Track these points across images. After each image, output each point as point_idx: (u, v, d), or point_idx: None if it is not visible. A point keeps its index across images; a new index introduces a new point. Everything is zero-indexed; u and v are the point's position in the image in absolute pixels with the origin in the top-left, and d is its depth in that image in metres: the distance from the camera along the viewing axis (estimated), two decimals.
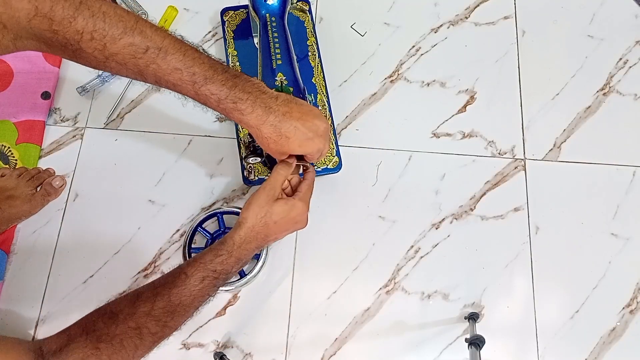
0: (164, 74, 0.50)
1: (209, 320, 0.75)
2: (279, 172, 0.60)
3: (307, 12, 0.88)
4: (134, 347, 0.50)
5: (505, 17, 0.92)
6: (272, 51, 0.71)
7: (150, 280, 0.76)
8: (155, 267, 0.78)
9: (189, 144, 0.84)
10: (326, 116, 0.82)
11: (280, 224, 0.59)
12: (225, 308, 0.76)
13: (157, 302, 0.52)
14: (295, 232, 0.62)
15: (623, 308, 0.77)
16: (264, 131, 0.55)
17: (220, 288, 0.74)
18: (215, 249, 0.57)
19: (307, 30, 0.87)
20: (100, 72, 0.86)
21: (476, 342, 0.63)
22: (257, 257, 0.76)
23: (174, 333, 0.54)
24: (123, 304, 0.53)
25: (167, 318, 0.52)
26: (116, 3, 0.90)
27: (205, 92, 0.52)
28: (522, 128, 0.86)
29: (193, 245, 0.77)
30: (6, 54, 0.48)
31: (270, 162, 0.77)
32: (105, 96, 0.87)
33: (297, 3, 0.88)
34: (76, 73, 0.88)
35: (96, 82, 0.86)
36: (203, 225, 0.78)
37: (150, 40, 0.49)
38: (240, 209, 0.78)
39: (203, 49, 0.54)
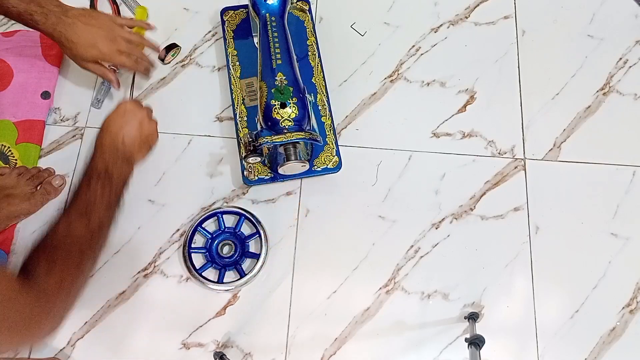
0: None
1: (209, 320, 0.75)
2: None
3: (307, 12, 0.88)
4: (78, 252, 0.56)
5: (505, 17, 0.92)
6: (272, 51, 0.71)
7: (150, 280, 0.77)
8: (155, 266, 0.78)
9: (189, 144, 0.84)
10: (326, 116, 0.82)
11: (115, 120, 0.67)
12: (225, 308, 0.76)
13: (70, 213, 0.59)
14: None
15: (623, 308, 0.77)
16: (55, 37, 0.70)
17: (220, 288, 0.74)
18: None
19: (307, 30, 0.87)
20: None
21: (476, 342, 0.63)
22: (257, 256, 0.76)
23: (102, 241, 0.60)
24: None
25: (83, 217, 0.58)
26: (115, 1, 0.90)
27: (7, 5, 0.67)
28: (522, 128, 0.86)
29: (193, 245, 0.77)
30: None
31: (270, 163, 0.77)
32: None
33: (297, 3, 0.88)
34: (76, 73, 0.88)
35: (104, 88, 0.85)
36: (203, 225, 0.78)
37: None
38: (240, 208, 0.78)
39: None
